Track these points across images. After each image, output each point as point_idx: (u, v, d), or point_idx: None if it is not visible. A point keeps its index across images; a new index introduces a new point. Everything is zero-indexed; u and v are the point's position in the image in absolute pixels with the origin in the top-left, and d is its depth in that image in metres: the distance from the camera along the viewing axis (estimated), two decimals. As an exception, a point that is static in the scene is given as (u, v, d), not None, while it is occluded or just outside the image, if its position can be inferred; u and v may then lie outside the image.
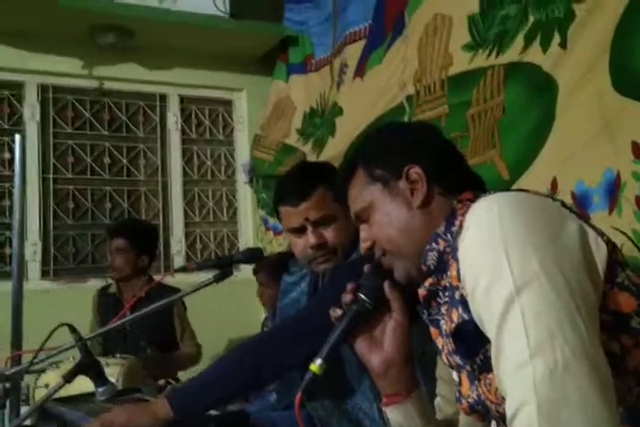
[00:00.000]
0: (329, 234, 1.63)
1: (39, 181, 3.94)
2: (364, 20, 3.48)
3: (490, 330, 0.82)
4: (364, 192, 1.11)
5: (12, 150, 3.83)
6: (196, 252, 4.38)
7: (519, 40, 2.27)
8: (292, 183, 1.68)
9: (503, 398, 0.87)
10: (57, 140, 4.07)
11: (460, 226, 0.96)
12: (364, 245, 1.12)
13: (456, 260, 0.93)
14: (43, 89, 4.06)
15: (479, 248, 0.86)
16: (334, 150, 3.45)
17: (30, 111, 4.00)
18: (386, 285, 1.10)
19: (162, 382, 2.56)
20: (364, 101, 3.24)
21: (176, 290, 2.34)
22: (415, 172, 1.07)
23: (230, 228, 4.56)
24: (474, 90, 2.45)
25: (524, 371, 0.75)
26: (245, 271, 4.39)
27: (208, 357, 3.09)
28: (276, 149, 4.15)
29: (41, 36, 3.83)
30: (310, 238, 1.62)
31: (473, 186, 1.09)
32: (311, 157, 3.76)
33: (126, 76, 4.21)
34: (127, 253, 2.92)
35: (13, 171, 1.87)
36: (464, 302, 0.91)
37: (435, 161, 1.08)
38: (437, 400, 1.21)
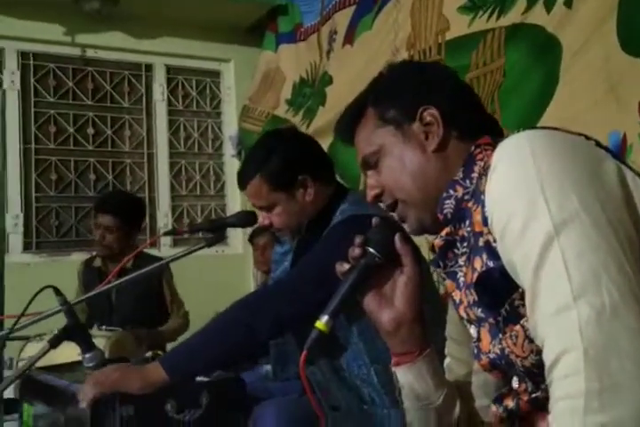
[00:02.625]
0: (273, 218, 1.66)
1: (20, 151, 3.82)
2: (355, -15, 3.39)
3: (524, 273, 0.76)
4: (373, 135, 1.03)
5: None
6: (182, 226, 4.28)
7: (522, 0, 2.20)
8: (239, 169, 1.73)
9: (531, 351, 0.82)
10: (38, 109, 3.95)
11: (483, 171, 0.90)
12: (371, 193, 1.05)
13: (480, 204, 0.86)
14: (23, 56, 3.92)
15: (510, 186, 0.79)
16: (324, 120, 3.37)
17: (10, 79, 3.86)
18: (397, 238, 1.01)
19: (149, 353, 2.49)
20: (355, 69, 3.16)
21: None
22: (430, 113, 0.99)
23: (218, 202, 4.47)
24: (473, 53, 2.38)
25: (566, 314, 0.68)
26: (234, 246, 4.35)
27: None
28: (265, 121, 4.06)
29: (22, 0, 3.68)
30: (259, 218, 1.68)
31: (490, 131, 1.02)
32: (301, 128, 3.66)
33: (111, 44, 4.09)
34: (118, 232, 2.79)
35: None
36: (489, 249, 0.84)
37: (451, 102, 1.00)
38: (447, 361, 1.15)
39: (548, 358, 0.71)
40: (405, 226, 1.06)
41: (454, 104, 1.01)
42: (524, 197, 0.77)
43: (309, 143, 1.75)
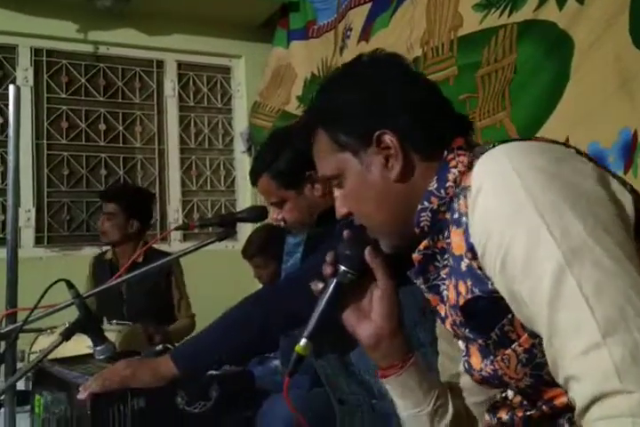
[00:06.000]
0: (284, 214, 1.71)
1: (32, 146, 3.85)
2: (370, -17, 3.38)
3: (536, 307, 0.70)
4: (331, 160, 0.97)
5: (4, 115, 3.73)
6: (193, 221, 4.30)
7: (534, -4, 2.20)
8: (251, 166, 1.81)
9: (525, 374, 0.80)
10: (50, 105, 3.97)
11: (457, 180, 0.86)
12: (340, 211, 1.00)
13: (459, 225, 0.82)
14: (36, 53, 3.95)
15: (501, 214, 0.74)
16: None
17: (23, 75, 3.89)
18: (367, 252, 0.97)
19: (160, 346, 2.51)
20: (369, 65, 3.15)
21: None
22: (387, 139, 0.91)
23: (228, 197, 4.48)
24: (484, 50, 2.37)
25: (597, 353, 0.64)
26: (243, 242, 4.34)
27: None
28: (275, 116, 4.07)
29: (36, -3, 3.72)
30: (271, 214, 1.74)
31: (460, 130, 0.95)
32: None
33: (123, 40, 4.10)
34: (115, 218, 2.86)
35: (7, 136, 1.78)
36: (474, 275, 0.80)
37: (408, 118, 0.92)
38: (440, 358, 1.13)
39: (582, 397, 0.66)
40: None
41: (412, 119, 0.92)
42: (520, 223, 0.72)
43: None
